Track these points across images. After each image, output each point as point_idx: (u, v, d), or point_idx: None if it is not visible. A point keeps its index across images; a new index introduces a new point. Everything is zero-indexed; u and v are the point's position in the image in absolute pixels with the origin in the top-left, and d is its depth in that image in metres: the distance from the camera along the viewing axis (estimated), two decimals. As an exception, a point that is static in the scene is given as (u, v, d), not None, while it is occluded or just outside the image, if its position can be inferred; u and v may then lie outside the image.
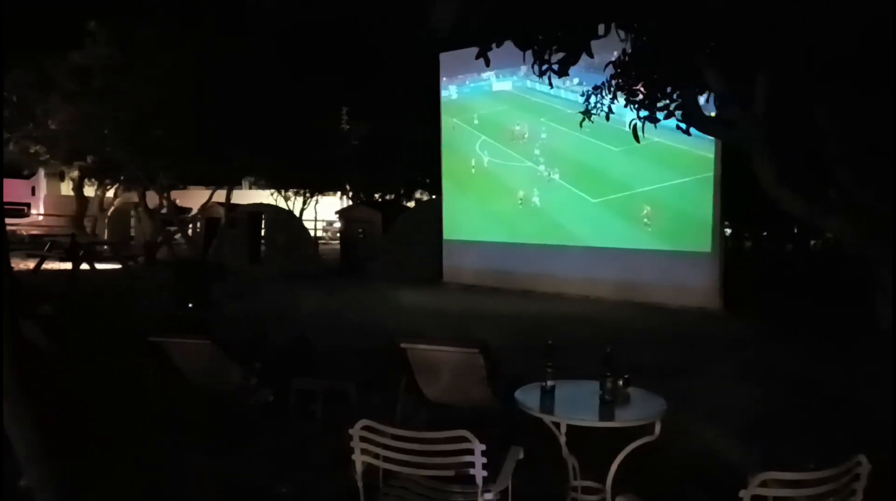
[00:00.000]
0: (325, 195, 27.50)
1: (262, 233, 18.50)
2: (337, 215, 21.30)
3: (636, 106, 4.17)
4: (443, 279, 15.23)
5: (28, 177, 31.00)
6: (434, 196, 19.04)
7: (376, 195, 24.73)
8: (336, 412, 5.02)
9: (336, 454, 3.16)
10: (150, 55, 16.14)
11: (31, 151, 19.87)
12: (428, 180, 20.00)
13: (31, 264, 15.61)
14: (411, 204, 24.45)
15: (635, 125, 4.05)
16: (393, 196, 25.09)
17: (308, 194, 26.09)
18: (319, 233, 26.14)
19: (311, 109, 19.85)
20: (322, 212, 28.16)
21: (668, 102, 4.04)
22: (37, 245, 19.08)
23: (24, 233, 26.59)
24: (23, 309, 7.54)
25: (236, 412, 5.12)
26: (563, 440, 3.47)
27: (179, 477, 4.16)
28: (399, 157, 21.60)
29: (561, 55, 3.05)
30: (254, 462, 4.45)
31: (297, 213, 23.44)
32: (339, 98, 22.50)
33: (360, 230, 18.56)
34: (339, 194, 26.99)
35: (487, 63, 3.01)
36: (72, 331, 6.45)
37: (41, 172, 29.91)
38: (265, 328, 7.82)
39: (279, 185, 25.33)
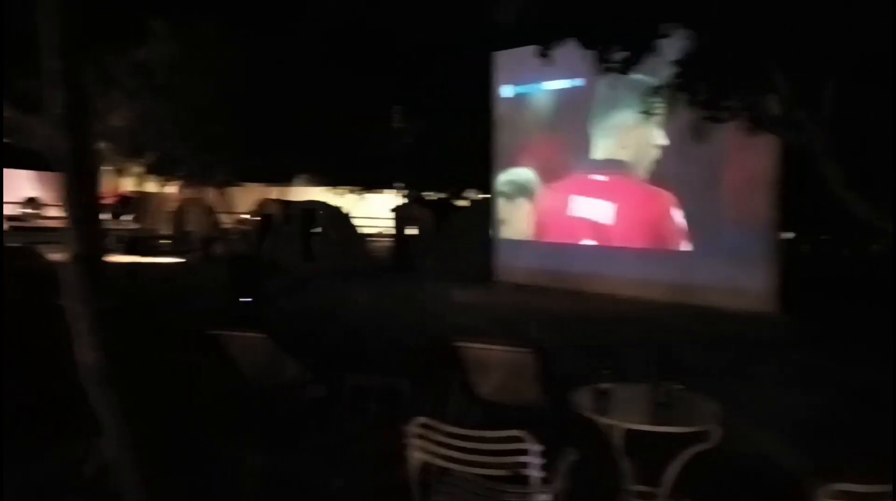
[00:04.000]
0: (377, 193, 27.71)
1: (315, 229, 18.74)
2: (390, 213, 21.44)
3: (698, 106, 4.09)
4: (494, 278, 15.20)
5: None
6: (486, 195, 19.01)
7: (428, 194, 24.80)
8: (388, 408, 5.06)
9: (389, 450, 3.18)
10: (208, 53, 16.49)
11: (95, 148, 20.49)
12: (480, 179, 19.97)
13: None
14: (463, 203, 24.45)
15: (697, 125, 3.97)
16: (445, 195, 25.14)
17: (360, 192, 26.35)
18: (371, 230, 26.35)
19: (364, 106, 20.02)
20: (374, 209, 28.39)
21: (733, 102, 3.95)
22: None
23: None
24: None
25: (290, 406, 5.19)
26: (617, 443, 3.43)
27: (233, 471, 4.24)
28: (451, 155, 21.64)
29: (625, 54, 3.01)
30: (306, 456, 4.51)
31: (349, 210, 23.68)
32: (393, 96, 22.62)
33: (413, 228, 18.66)
34: (391, 191, 27.17)
35: (548, 62, 2.99)
36: (133, 323, 6.64)
37: (103, 168, 30.80)
38: (319, 324, 7.93)
39: (332, 182, 25.64)
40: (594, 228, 13.70)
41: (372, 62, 20.43)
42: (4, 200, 27.55)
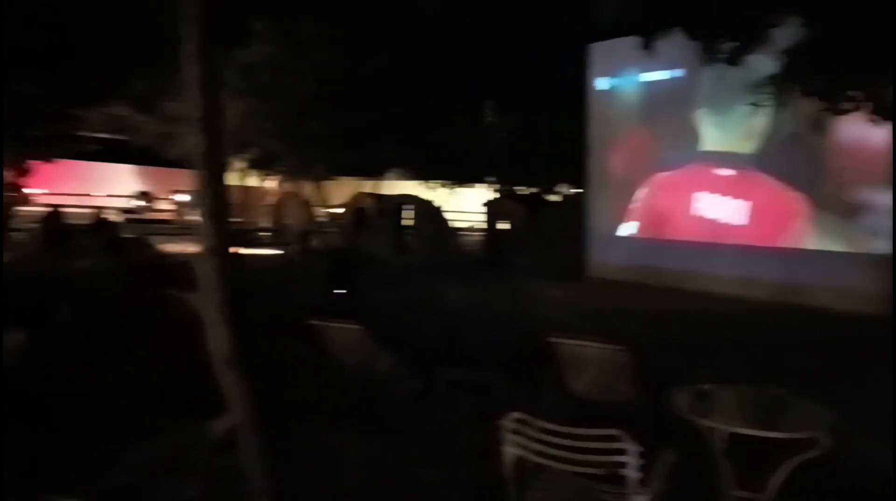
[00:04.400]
0: (468, 187, 27.84)
1: (408, 223, 19.00)
2: (482, 208, 21.50)
3: (815, 96, 3.89)
4: (588, 274, 14.99)
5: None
6: (579, 190, 18.77)
7: (520, 188, 24.69)
8: (482, 403, 5.08)
9: (483, 444, 3.20)
10: (307, 52, 16.98)
11: (203, 143, 21.51)
12: (573, 173, 19.74)
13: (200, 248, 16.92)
14: (555, 197, 24.22)
15: (816, 116, 3.79)
16: (537, 189, 24.96)
17: (452, 186, 26.53)
18: (463, 225, 26.50)
19: (456, 100, 20.12)
20: (466, 204, 28.52)
21: (855, 93, 3.72)
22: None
23: (195, 219, 28.87)
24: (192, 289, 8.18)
25: (385, 397, 5.29)
26: (719, 446, 3.33)
27: (332, 458, 4.36)
28: (544, 149, 21.48)
29: (733, 44, 2.90)
30: (402, 447, 4.59)
31: (441, 204, 23.90)
32: (485, 90, 22.63)
33: (505, 223, 18.64)
34: (482, 185, 27.22)
35: (651, 54, 2.92)
36: (245, 313, 6.92)
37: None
38: (413, 317, 8.04)
39: (424, 176, 25.93)
40: (697, 222, 13.29)
41: (465, 56, 20.50)
42: (116, 193, 29.42)
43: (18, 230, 14.20)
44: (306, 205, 22.08)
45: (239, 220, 20.85)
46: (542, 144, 21.46)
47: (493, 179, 25.55)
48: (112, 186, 29.82)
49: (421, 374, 5.32)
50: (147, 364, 5.11)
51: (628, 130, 14.69)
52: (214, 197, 3.01)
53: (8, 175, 13.26)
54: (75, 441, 3.85)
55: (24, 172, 13.08)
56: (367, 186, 22.77)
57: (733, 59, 2.86)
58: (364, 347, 5.36)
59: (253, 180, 27.97)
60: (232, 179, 31.23)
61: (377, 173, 22.52)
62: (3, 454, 3.55)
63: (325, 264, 12.47)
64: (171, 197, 31.44)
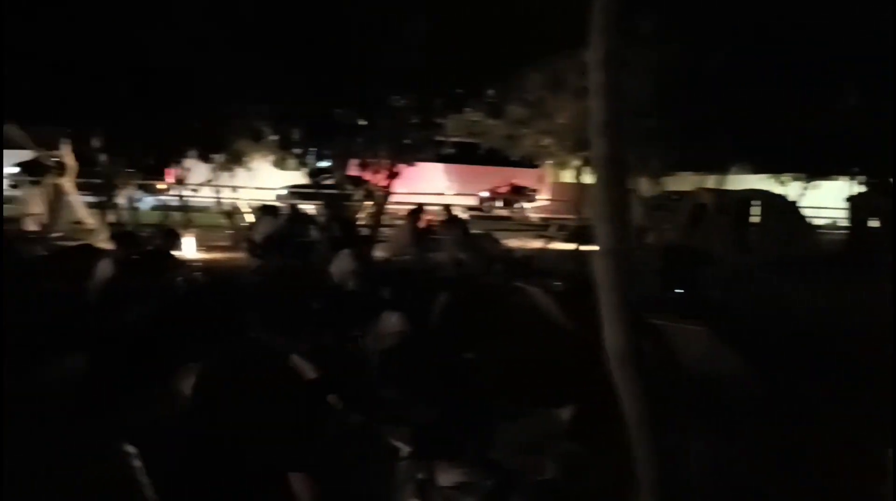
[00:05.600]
0: (828, 180, 24.96)
1: (754, 219, 17.75)
2: (844, 203, 19.24)
3: None
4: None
5: (536, 167, 35.27)
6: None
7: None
8: (843, 414, 4.65)
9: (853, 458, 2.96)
10: (646, 48, 16.77)
11: (543, 143, 22.55)
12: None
13: (539, 244, 17.83)
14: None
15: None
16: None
17: (807, 179, 24.03)
18: (822, 222, 23.97)
19: (809, 85, 18.18)
20: (824, 198, 25.69)
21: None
22: (544, 227, 21.75)
23: (533, 216, 30.51)
24: (538, 283, 8.72)
25: (731, 399, 5.11)
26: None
27: (680, 456, 4.33)
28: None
29: None
30: (750, 449, 4.40)
31: (795, 199, 21.88)
32: (845, 71, 20.07)
33: (875, 220, 16.43)
34: (844, 178, 24.25)
35: None
36: (576, 306, 7.22)
37: (547, 162, 33.72)
38: (760, 319, 7.59)
39: (773, 169, 23.90)
40: None
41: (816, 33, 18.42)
42: (433, 191, 32.19)
43: (388, 226, 16.40)
44: (644, 201, 21.85)
45: (577, 217, 21.49)
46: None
47: (858, 170, 22.57)
48: (428, 184, 32.38)
49: (769, 379, 5.04)
50: (502, 350, 5.60)
51: None
52: (613, 200, 3.19)
53: (378, 178, 15.44)
54: (456, 416, 4.37)
55: (394, 175, 15.03)
56: (710, 181, 21.77)
57: None
58: (706, 347, 5.25)
59: (590, 178, 28.26)
60: (568, 176, 32.23)
61: (720, 168, 21.39)
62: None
63: (661, 260, 12.30)
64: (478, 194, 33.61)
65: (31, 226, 14.91)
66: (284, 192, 25.54)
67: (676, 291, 10.76)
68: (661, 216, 21.45)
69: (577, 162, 26.13)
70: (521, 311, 7.14)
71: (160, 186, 20.91)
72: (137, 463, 3.44)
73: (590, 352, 6.00)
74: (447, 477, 3.65)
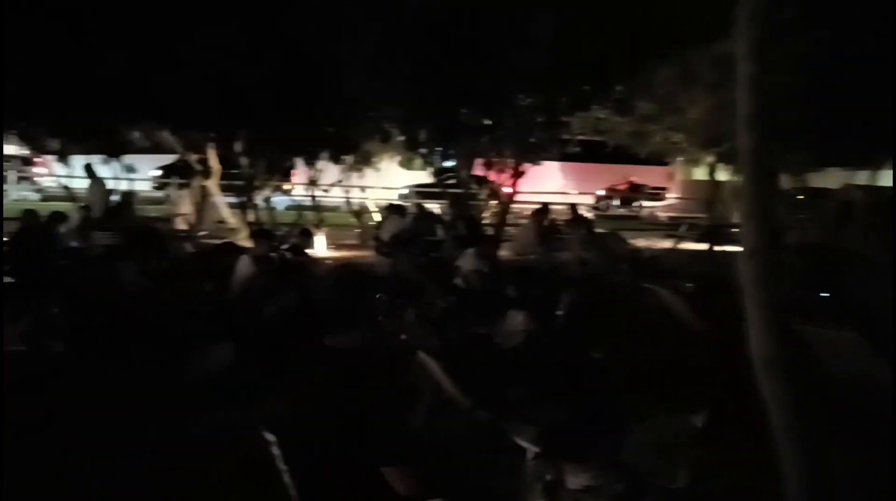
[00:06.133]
0: None
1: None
2: None
3: None
4: None
5: (666, 164, 34.08)
6: None
7: None
8: None
9: None
10: (785, 38, 15.82)
11: (673, 140, 21.77)
12: None
13: (669, 244, 17.23)
14: None
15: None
16: None
17: None
18: None
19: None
20: None
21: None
22: (672, 226, 21.01)
23: (662, 215, 29.56)
24: (667, 284, 8.47)
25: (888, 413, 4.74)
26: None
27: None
28: None
29: None
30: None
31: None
32: None
33: None
34: None
35: None
36: (709, 308, 6.95)
37: (678, 159, 32.49)
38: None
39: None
40: None
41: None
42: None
43: (512, 225, 16.40)
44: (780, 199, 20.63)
45: (709, 216, 20.63)
46: None
47: None
48: (546, 183, 31.76)
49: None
50: (629, 351, 5.49)
51: None
52: (759, 197, 3.05)
53: (503, 177, 15.47)
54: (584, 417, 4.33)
55: (518, 174, 15.01)
56: (861, 177, 20.27)
57: None
58: (856, 355, 4.92)
59: (723, 175, 27.33)
60: (699, 173, 30.95)
61: (871, 164, 19.84)
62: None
63: (802, 262, 11.56)
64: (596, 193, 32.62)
65: (181, 225, 16.01)
66: (406, 191, 26.12)
67: (822, 294, 10.09)
68: (805, 215, 20.21)
69: (709, 158, 25.08)
70: (650, 312, 6.98)
71: (287, 187, 21.94)
72: (276, 451, 3.61)
73: (723, 356, 5.78)
74: (576, 480, 3.62)
